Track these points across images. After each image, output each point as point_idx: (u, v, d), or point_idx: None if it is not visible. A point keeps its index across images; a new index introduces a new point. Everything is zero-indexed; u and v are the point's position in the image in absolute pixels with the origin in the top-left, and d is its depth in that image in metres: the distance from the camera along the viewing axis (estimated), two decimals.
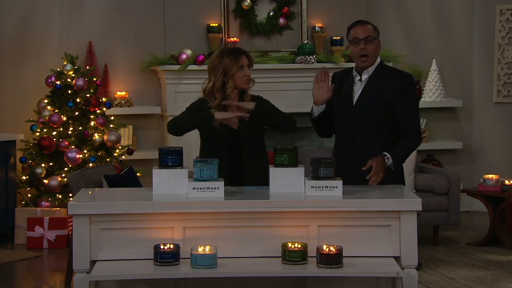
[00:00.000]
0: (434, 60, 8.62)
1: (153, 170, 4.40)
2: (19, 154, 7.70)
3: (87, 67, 7.96)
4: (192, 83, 7.67)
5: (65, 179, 7.37)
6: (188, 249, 4.16)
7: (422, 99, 8.54)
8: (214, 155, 4.66)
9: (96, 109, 7.67)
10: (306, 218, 4.24)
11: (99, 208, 4.21)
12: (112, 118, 7.84)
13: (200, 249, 4.11)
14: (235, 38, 8.19)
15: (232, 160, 4.93)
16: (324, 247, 4.12)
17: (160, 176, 4.38)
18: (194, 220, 4.23)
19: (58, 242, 7.26)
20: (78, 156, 7.46)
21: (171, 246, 4.13)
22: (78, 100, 7.63)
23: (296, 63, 8.21)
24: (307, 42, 8.31)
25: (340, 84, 4.96)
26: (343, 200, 4.27)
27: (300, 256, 4.13)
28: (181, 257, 4.15)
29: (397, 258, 4.23)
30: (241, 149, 4.96)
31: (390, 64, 7.94)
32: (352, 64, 5.05)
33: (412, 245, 4.21)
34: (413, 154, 6.64)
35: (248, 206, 4.22)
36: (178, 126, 4.94)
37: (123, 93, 8.13)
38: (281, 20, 8.39)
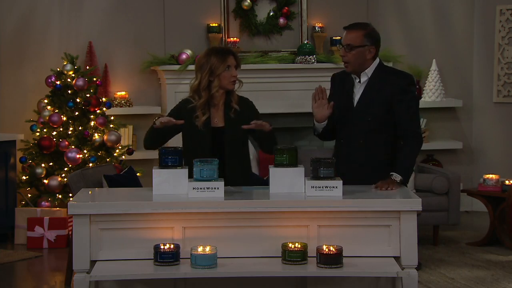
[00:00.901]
0: (434, 60, 8.62)
1: (153, 170, 4.40)
2: (19, 154, 7.70)
3: (87, 67, 7.96)
4: None
5: (65, 179, 7.36)
6: (188, 249, 4.16)
7: (422, 99, 8.54)
8: (195, 154, 4.67)
9: (96, 109, 7.67)
10: (306, 218, 4.24)
11: (99, 208, 4.21)
12: (112, 118, 7.84)
13: (200, 249, 4.11)
14: (235, 38, 8.19)
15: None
16: (324, 247, 4.12)
17: (160, 176, 4.38)
18: (194, 220, 4.24)
19: (58, 242, 7.25)
20: (78, 156, 7.46)
21: (171, 246, 4.13)
22: (78, 100, 7.63)
23: (296, 63, 8.21)
24: (307, 42, 8.31)
25: (342, 85, 4.96)
26: (343, 200, 4.27)
27: (300, 256, 4.13)
28: (181, 257, 4.15)
29: (397, 258, 4.24)
30: (224, 149, 4.93)
31: (390, 64, 7.94)
32: None
33: (412, 245, 4.21)
34: None
35: (248, 206, 4.23)
36: (148, 141, 5.00)
37: (123, 93, 8.13)
38: (281, 20, 8.39)
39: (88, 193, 4.69)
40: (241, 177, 4.89)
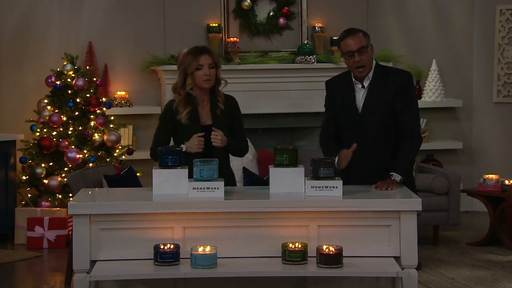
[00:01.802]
0: (434, 60, 8.62)
1: (153, 170, 4.41)
2: (19, 154, 7.70)
3: (87, 67, 7.95)
4: None
5: (65, 179, 7.36)
6: (188, 249, 4.16)
7: (422, 99, 8.54)
8: (186, 152, 4.74)
9: (96, 109, 7.67)
10: (306, 218, 4.25)
11: (99, 208, 4.21)
12: (112, 118, 7.84)
13: (200, 249, 4.11)
14: (235, 38, 8.19)
15: (203, 156, 4.92)
16: (324, 247, 4.13)
17: (160, 176, 4.38)
18: (194, 220, 4.24)
19: (58, 242, 7.25)
20: (78, 156, 7.46)
21: (171, 246, 4.13)
22: (78, 100, 7.63)
23: (296, 63, 8.21)
24: (307, 42, 8.30)
25: (338, 91, 4.94)
26: (343, 200, 4.27)
27: (300, 256, 4.13)
28: (181, 257, 4.16)
29: (397, 258, 4.24)
30: (211, 146, 4.95)
31: (390, 64, 7.95)
32: None
33: (412, 245, 4.21)
34: None
35: (248, 206, 4.23)
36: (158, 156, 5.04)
37: (123, 93, 8.13)
38: (281, 20, 8.39)
39: (88, 193, 4.69)
40: (227, 173, 4.94)
